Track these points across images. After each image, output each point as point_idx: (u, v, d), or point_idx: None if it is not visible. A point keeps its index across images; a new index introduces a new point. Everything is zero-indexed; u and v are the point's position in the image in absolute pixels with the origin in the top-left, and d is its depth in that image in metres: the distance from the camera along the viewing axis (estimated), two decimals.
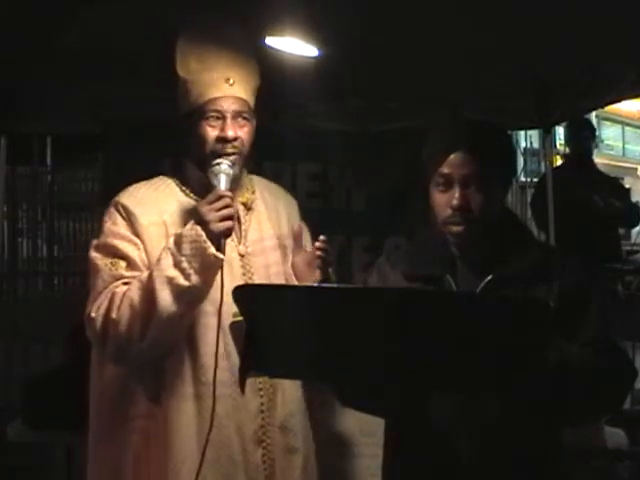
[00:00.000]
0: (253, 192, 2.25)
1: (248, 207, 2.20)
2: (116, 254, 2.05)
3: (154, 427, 2.05)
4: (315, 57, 2.42)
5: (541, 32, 2.84)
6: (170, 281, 1.94)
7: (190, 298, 1.98)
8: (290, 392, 2.18)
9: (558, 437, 1.87)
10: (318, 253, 2.06)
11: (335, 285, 2.10)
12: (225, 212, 1.96)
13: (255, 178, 2.30)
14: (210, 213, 1.95)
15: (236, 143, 2.09)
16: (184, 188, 2.17)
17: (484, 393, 1.66)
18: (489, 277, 1.79)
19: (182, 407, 2.04)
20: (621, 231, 6.19)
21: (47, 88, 3.31)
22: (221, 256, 1.95)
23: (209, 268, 1.96)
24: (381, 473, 1.97)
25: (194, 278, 1.95)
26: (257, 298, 1.79)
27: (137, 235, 2.07)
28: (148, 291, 1.95)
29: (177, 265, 1.95)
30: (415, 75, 3.26)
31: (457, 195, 1.77)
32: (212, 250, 1.94)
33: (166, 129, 3.68)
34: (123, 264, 2.04)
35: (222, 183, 2.03)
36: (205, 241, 1.93)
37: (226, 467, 2.05)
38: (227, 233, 1.99)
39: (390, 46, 2.99)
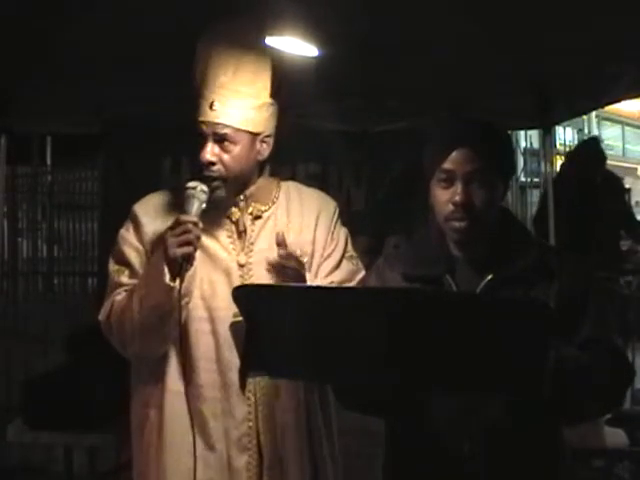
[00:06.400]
0: (274, 202, 2.22)
1: (255, 217, 2.19)
2: (122, 260, 2.14)
3: (158, 417, 2.13)
4: (315, 57, 2.42)
5: (541, 32, 2.84)
6: (142, 297, 2.03)
7: (158, 313, 2.04)
8: (286, 402, 2.15)
9: (558, 436, 1.87)
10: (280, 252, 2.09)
11: (334, 285, 2.10)
12: (183, 238, 1.98)
13: (288, 185, 2.28)
14: (170, 238, 1.99)
15: (215, 168, 2.07)
16: None
17: (483, 393, 1.66)
18: (489, 277, 1.79)
19: (176, 403, 2.10)
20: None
21: (47, 88, 3.31)
22: (173, 284, 1.98)
23: (166, 290, 1.99)
24: (382, 473, 1.98)
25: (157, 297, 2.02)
26: (256, 298, 1.80)
27: (142, 242, 2.14)
28: (130, 303, 2.06)
29: (147, 285, 2.04)
30: (415, 75, 3.26)
31: (460, 191, 1.77)
32: (165, 278, 1.98)
33: (166, 129, 3.76)
34: (126, 271, 2.13)
35: (191, 207, 2.03)
36: (162, 266, 1.99)
37: (213, 467, 2.10)
38: (186, 258, 2.00)
39: (390, 46, 3.00)
